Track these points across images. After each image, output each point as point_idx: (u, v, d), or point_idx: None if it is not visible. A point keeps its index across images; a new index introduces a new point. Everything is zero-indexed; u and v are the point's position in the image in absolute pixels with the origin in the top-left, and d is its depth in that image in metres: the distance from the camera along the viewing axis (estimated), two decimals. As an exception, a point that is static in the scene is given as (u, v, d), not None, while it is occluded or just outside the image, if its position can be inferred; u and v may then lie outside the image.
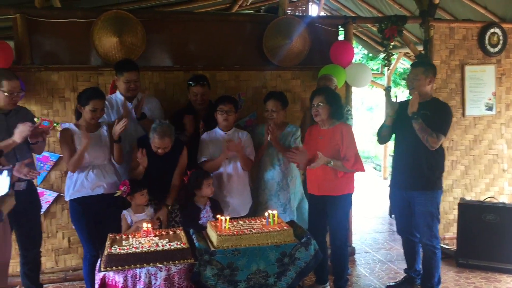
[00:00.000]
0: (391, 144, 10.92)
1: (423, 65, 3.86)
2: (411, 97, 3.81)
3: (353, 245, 5.22)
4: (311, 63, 4.91)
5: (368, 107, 17.76)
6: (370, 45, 9.36)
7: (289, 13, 5.57)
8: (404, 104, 3.82)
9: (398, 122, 3.86)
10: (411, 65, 4.02)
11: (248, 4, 7.54)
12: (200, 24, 4.76)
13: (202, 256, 3.01)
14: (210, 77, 4.45)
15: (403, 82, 13.04)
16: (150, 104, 4.10)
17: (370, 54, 11.11)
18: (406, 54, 9.17)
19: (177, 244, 3.08)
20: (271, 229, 3.22)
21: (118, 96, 4.04)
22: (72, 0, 5.27)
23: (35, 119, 4.00)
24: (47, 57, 4.39)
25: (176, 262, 2.96)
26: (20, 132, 3.33)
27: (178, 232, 3.34)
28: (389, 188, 4.10)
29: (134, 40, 4.41)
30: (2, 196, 2.45)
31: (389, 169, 9.64)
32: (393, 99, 3.89)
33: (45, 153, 4.16)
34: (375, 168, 11.40)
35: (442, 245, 4.53)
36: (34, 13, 4.31)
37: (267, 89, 4.69)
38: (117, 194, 3.56)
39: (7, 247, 3.26)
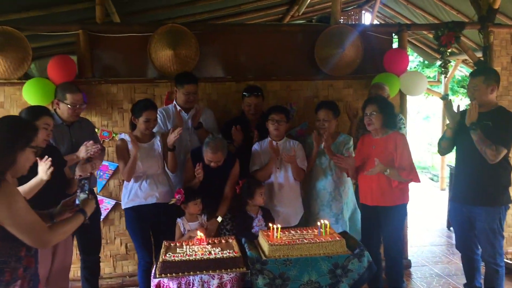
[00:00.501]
0: (449, 154, 10.61)
1: (483, 73, 3.66)
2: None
3: (409, 257, 5.06)
4: (363, 72, 4.85)
5: (425, 116, 17.24)
6: (426, 52, 9.12)
7: (341, 22, 5.54)
8: (465, 114, 3.66)
9: (459, 133, 3.70)
10: (470, 74, 3.81)
11: (300, 14, 7.57)
12: (252, 35, 4.83)
13: (254, 265, 3.03)
14: (261, 87, 4.48)
15: (462, 90, 12.61)
16: (204, 115, 4.20)
17: (426, 62, 10.84)
18: (464, 61, 8.88)
19: (229, 252, 3.11)
20: (323, 240, 3.19)
21: (175, 105, 4.16)
22: (131, 15, 5.50)
23: (95, 130, 4.19)
24: (107, 70, 4.61)
25: (229, 270, 2.98)
26: (86, 151, 3.49)
27: (230, 240, 3.37)
28: (448, 202, 3.94)
29: (188, 53, 4.53)
30: (86, 199, 2.58)
31: (446, 180, 9.32)
32: (455, 109, 3.71)
33: (104, 162, 4.34)
34: (431, 179, 11.05)
35: (506, 260, 4.30)
36: (95, 29, 4.53)
37: (318, 99, 4.67)
38: (172, 202, 3.65)
39: (68, 252, 3.42)
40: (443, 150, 3.90)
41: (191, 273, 2.95)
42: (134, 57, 4.63)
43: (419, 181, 3.71)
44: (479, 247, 3.83)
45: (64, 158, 3.41)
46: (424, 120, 17.12)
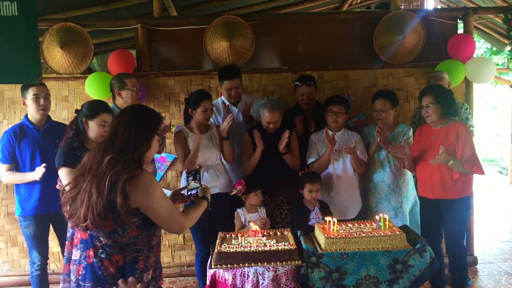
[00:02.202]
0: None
1: None
2: None
3: (475, 254, 4.79)
4: (426, 59, 4.62)
5: (493, 105, 16.32)
6: (494, 38, 8.59)
7: (402, 8, 5.31)
8: None
9: None
10: None
11: (358, 2, 7.36)
12: (308, 25, 4.73)
13: (309, 258, 2.96)
14: (318, 77, 4.41)
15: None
16: (255, 106, 4.15)
17: (494, 48, 10.23)
18: (537, 46, 8.29)
19: (284, 245, 3.06)
20: (382, 234, 3.07)
21: (222, 100, 4.16)
22: (187, 8, 5.56)
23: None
24: (164, 63, 4.68)
25: (284, 262, 2.94)
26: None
27: (285, 233, 3.33)
28: None
29: (243, 44, 4.50)
30: (203, 187, 2.70)
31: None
32: None
33: (163, 154, 4.42)
34: (500, 172, 10.46)
35: None
36: (153, 23, 4.60)
37: (377, 88, 4.52)
38: (233, 193, 3.65)
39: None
40: None
41: (246, 264, 2.93)
42: (190, 49, 4.66)
43: (483, 173, 3.49)
44: None
45: None
46: (492, 110, 16.22)
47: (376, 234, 3.06)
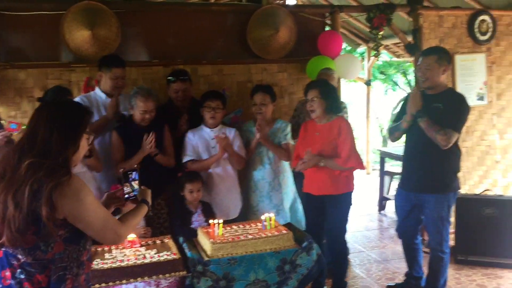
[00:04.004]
0: (372, 140, 10.83)
1: (436, 52, 3.50)
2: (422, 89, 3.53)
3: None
4: (298, 55, 4.66)
5: (347, 102, 17.58)
6: (349, 38, 9.20)
7: (274, 2, 5.31)
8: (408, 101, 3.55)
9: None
10: (423, 53, 3.64)
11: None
12: (179, 16, 4.46)
13: (195, 267, 2.73)
14: (191, 72, 4.19)
15: (381, 76, 12.98)
16: (123, 105, 3.76)
17: (349, 48, 10.96)
18: (386, 47, 9.04)
19: (166, 254, 2.78)
20: (269, 234, 2.95)
21: (98, 93, 3.69)
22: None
23: (1, 122, 3.64)
24: (13, 53, 4.04)
25: (167, 275, 2.66)
26: None
27: (166, 240, 3.04)
28: (396, 189, 3.84)
29: (108, 34, 4.08)
30: (141, 189, 2.34)
31: (372, 165, 9.49)
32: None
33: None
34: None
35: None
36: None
37: (252, 83, 4.43)
38: None
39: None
40: (395, 138, 3.77)
41: (124, 281, 2.59)
42: (46, 38, 4.08)
43: (363, 168, 3.59)
44: (420, 235, 3.82)
45: None
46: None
47: (263, 235, 2.94)
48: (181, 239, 3.03)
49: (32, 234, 1.72)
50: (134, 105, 3.48)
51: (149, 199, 2.28)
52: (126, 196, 2.28)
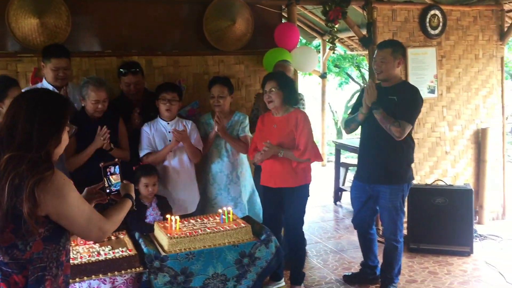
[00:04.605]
0: (327, 132, 10.98)
1: (390, 45, 3.57)
2: (378, 82, 3.58)
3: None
4: (254, 47, 4.62)
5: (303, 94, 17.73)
6: (305, 30, 9.25)
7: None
8: (363, 93, 3.60)
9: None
10: (378, 46, 3.71)
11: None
12: (133, 5, 4.30)
13: (151, 263, 2.66)
14: (146, 63, 4.13)
15: (335, 69, 13.17)
16: (72, 96, 3.62)
17: (304, 41, 11.04)
18: (340, 41, 9.16)
19: (122, 251, 2.70)
20: (228, 227, 2.92)
21: (45, 85, 3.53)
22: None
23: None
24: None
25: (122, 272, 2.58)
26: None
27: (121, 236, 2.95)
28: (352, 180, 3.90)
29: (57, 22, 3.91)
30: (125, 184, 2.27)
31: (327, 157, 9.64)
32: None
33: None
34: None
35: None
36: None
37: (209, 75, 4.35)
38: None
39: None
40: (351, 130, 3.83)
41: (77, 279, 2.50)
42: (-12, 26, 3.87)
43: (321, 160, 3.61)
44: (375, 225, 3.90)
45: None
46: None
47: (222, 229, 2.90)
48: (137, 235, 2.95)
49: (10, 232, 1.63)
50: (86, 95, 3.35)
51: (133, 193, 2.21)
52: (108, 190, 2.23)
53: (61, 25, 3.93)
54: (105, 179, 2.24)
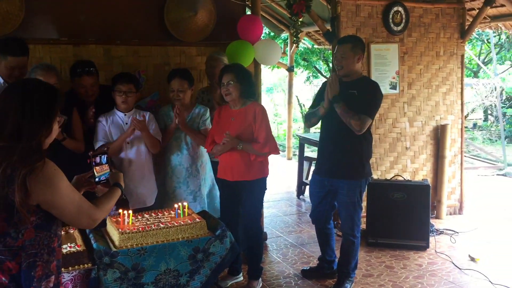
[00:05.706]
0: (295, 126, 11.01)
1: (350, 41, 3.58)
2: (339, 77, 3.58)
3: (265, 230, 5.02)
4: (217, 38, 4.54)
5: (268, 87, 17.74)
6: (273, 23, 9.21)
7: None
8: (325, 87, 3.59)
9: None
10: (338, 42, 3.72)
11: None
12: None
13: (101, 259, 2.59)
14: (104, 52, 4.02)
15: (303, 63, 13.20)
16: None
17: (272, 34, 11.01)
18: (308, 34, 9.17)
19: (70, 246, 2.62)
20: (182, 222, 2.87)
21: None
22: None
23: None
24: None
25: (70, 268, 2.50)
26: None
27: (71, 231, 2.86)
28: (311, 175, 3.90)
29: (9, 8, 3.75)
30: (113, 172, 2.35)
31: (293, 150, 9.66)
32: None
33: None
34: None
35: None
36: None
37: (170, 66, 4.26)
38: None
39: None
40: (312, 124, 3.84)
41: (22, 276, 2.40)
42: None
43: (278, 153, 3.59)
44: (332, 221, 3.93)
45: None
46: (267, 92, 17.61)
47: (176, 224, 2.85)
48: (87, 230, 2.86)
49: (2, 220, 1.69)
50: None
51: (122, 182, 2.28)
52: (97, 179, 2.27)
53: (14, 11, 3.77)
54: (94, 167, 2.27)
